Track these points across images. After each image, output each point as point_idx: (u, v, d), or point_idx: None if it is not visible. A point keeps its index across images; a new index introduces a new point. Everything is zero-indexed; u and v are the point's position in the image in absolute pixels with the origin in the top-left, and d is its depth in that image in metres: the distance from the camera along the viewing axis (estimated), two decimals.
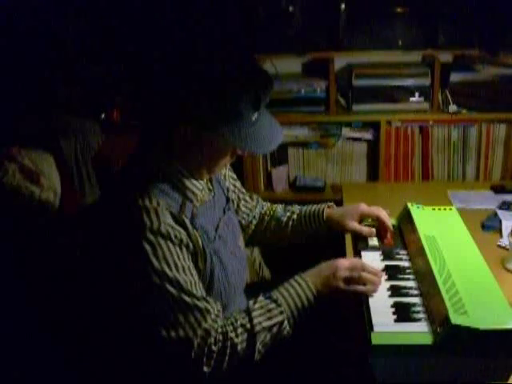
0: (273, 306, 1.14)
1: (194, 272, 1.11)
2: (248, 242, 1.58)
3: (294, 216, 1.53)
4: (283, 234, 1.54)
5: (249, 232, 1.55)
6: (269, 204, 1.61)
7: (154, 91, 1.15)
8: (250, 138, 1.09)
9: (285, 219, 1.53)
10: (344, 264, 1.21)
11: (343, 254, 1.45)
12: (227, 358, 1.08)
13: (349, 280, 1.20)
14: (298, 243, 1.57)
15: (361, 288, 1.19)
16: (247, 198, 1.53)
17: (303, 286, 1.18)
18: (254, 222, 1.55)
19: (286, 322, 1.14)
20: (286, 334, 1.15)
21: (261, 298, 1.17)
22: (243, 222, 1.52)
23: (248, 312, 1.13)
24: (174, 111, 1.09)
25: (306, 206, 1.56)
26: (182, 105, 1.07)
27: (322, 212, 1.50)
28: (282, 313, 1.14)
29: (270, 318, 1.13)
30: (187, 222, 1.11)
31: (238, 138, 1.08)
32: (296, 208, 1.56)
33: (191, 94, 1.06)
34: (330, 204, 1.56)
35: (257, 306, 1.14)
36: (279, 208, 1.57)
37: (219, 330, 1.09)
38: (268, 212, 1.57)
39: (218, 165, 1.18)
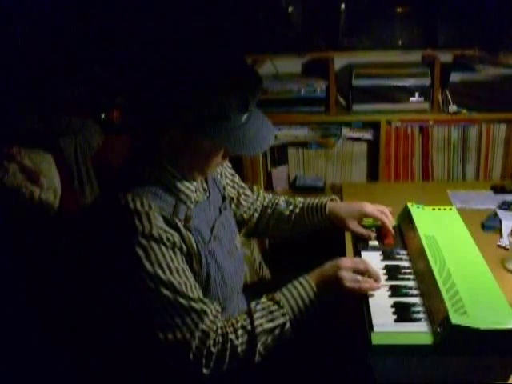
0: (275, 307, 1.13)
1: (189, 274, 1.10)
2: (250, 235, 1.59)
3: (297, 210, 1.53)
4: (285, 227, 1.54)
5: (251, 225, 1.55)
6: (271, 196, 1.61)
7: (140, 93, 1.14)
8: (238, 139, 1.08)
9: (287, 213, 1.53)
10: (347, 263, 1.20)
11: (343, 254, 1.46)
12: (227, 359, 1.07)
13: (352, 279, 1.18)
14: (300, 238, 1.57)
15: (365, 286, 1.18)
16: (247, 192, 1.53)
17: (306, 287, 1.16)
18: (256, 214, 1.56)
19: (288, 324, 1.12)
20: (289, 336, 1.14)
21: (263, 299, 1.16)
22: (245, 215, 1.52)
23: (249, 313, 1.12)
24: (159, 114, 1.08)
25: (309, 198, 1.55)
26: (168, 108, 1.06)
27: (325, 206, 1.50)
28: (284, 315, 1.12)
29: (271, 320, 1.11)
30: (180, 224, 1.10)
31: (226, 140, 1.07)
32: (299, 201, 1.56)
33: (176, 96, 1.05)
34: (334, 197, 1.55)
35: (259, 307, 1.13)
36: (281, 201, 1.57)
37: (219, 331, 1.08)
38: (270, 205, 1.57)
39: (210, 166, 1.17)
